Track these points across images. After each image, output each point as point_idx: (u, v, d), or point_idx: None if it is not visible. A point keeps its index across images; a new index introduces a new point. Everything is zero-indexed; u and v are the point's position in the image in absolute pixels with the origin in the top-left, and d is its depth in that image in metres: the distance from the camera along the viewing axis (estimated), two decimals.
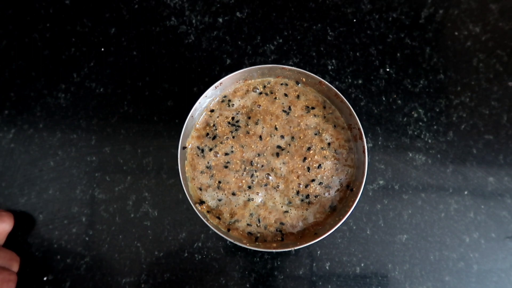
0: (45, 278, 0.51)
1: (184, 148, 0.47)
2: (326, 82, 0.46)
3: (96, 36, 0.58)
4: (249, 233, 0.46)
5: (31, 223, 0.52)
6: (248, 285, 0.50)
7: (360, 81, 0.56)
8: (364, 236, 0.52)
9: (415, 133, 0.55)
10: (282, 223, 0.46)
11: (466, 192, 0.53)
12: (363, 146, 0.45)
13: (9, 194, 0.53)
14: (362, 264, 0.51)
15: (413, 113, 0.55)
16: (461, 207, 0.52)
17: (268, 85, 0.50)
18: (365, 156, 0.45)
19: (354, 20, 0.58)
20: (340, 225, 0.43)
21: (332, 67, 0.57)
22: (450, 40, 0.58)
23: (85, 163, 0.53)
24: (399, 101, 0.56)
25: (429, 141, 0.54)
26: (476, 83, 0.56)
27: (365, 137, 0.54)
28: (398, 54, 0.57)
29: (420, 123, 0.55)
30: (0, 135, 0.55)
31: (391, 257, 0.51)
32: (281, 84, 0.49)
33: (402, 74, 0.56)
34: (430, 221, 0.52)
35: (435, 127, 0.55)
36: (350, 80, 0.56)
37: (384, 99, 0.56)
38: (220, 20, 0.58)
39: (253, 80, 0.49)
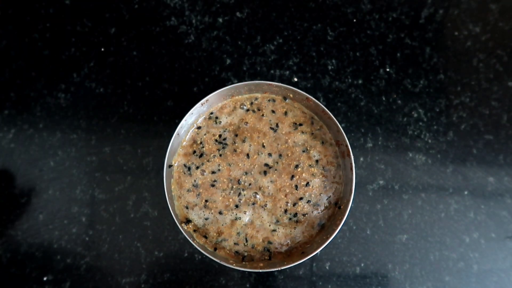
0: (45, 278, 0.51)
1: (170, 166, 0.47)
2: (313, 98, 0.46)
3: (96, 36, 0.58)
4: (236, 252, 0.46)
5: (31, 223, 0.52)
6: (248, 285, 0.50)
7: (360, 81, 0.56)
8: (364, 236, 0.52)
9: (415, 133, 0.55)
10: (270, 242, 0.46)
11: (466, 192, 0.53)
12: (351, 163, 0.45)
13: (9, 194, 0.53)
14: (362, 264, 0.51)
15: (413, 113, 0.55)
16: (461, 207, 0.52)
17: (256, 102, 0.49)
18: (352, 173, 0.44)
19: (354, 20, 0.58)
20: (331, 239, 0.43)
21: (332, 67, 0.57)
22: (450, 40, 0.58)
23: (85, 163, 0.53)
24: (399, 101, 0.56)
25: (429, 141, 0.54)
26: (476, 83, 0.56)
27: (365, 137, 0.55)
28: (398, 54, 0.57)
29: (420, 123, 0.55)
30: (0, 135, 0.55)
31: (391, 257, 0.51)
32: (268, 100, 0.49)
33: (402, 74, 0.56)
34: (430, 221, 0.52)
35: (435, 127, 0.55)
36: (350, 80, 0.56)
37: (384, 99, 0.56)
38: (220, 20, 0.58)
39: (240, 96, 0.49)
